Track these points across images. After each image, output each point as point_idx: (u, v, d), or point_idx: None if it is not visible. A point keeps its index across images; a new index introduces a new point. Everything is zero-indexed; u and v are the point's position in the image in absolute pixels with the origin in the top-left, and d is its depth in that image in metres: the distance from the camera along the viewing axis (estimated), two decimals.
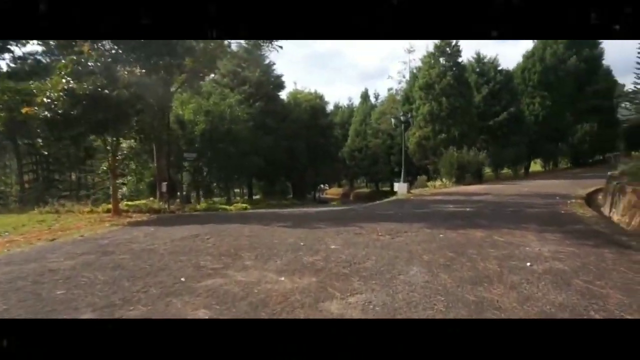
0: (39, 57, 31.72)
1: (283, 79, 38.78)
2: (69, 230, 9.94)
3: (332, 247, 6.39)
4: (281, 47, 19.41)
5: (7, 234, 9.70)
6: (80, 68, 10.94)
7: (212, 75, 32.27)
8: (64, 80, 10.91)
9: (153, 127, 12.93)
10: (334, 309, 3.76)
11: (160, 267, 5.37)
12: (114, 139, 12.98)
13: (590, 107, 33.69)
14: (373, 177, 49.71)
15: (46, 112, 10.94)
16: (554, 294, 4.04)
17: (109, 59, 11.63)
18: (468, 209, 10.82)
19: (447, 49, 27.79)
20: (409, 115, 24.75)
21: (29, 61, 31.62)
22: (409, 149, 27.58)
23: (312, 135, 36.88)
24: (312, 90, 42.50)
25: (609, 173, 11.80)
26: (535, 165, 36.74)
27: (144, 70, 11.51)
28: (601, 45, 35.82)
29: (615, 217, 9.07)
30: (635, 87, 44.10)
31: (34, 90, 11.72)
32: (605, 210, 10.21)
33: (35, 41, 14.13)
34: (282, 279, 4.77)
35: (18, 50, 31.99)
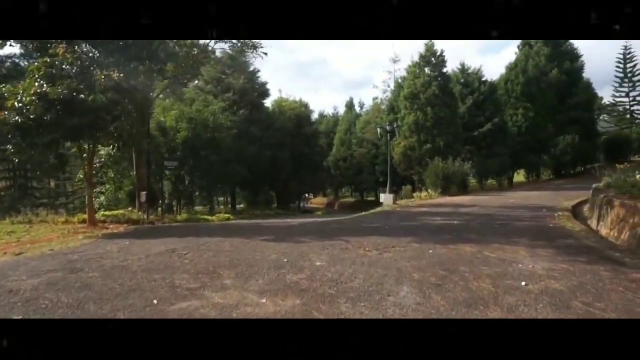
0: (16, 60, 30.83)
1: (268, 86, 38.49)
2: (39, 242, 9.39)
3: (317, 264, 6.05)
4: (266, 53, 19.17)
5: None
6: (54, 71, 10.43)
7: (196, 81, 31.88)
8: (36, 84, 10.40)
9: (132, 134, 12.42)
10: None
11: (132, 288, 4.95)
12: (90, 145, 12.45)
13: (571, 118, 34.14)
14: (358, 187, 49.52)
15: (17, 117, 10.39)
16: (554, 317, 3.79)
17: (86, 62, 11.12)
18: (456, 222, 10.60)
19: (432, 58, 27.85)
20: (395, 125, 24.57)
21: (7, 64, 30.71)
22: (394, 158, 27.44)
23: (297, 144, 36.50)
24: (297, 99, 42.31)
25: (593, 185, 11.73)
26: (519, 176, 37.00)
27: (122, 75, 11.02)
28: (581, 59, 36.55)
29: (604, 231, 8.94)
30: (613, 99, 45.00)
31: (5, 94, 11.14)
32: (593, 223, 10.11)
33: (13, 43, 13.59)
34: (264, 300, 4.42)
35: None
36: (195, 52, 18.13)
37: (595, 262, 5.92)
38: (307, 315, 3.95)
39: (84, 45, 11.26)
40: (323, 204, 56.00)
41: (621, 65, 43.48)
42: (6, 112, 10.51)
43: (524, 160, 32.47)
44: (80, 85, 10.55)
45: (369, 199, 47.91)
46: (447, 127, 26.55)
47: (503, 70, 36.06)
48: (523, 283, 4.90)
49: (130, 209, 16.00)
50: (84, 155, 12.73)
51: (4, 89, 11.69)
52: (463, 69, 31.89)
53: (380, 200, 19.43)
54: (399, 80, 37.10)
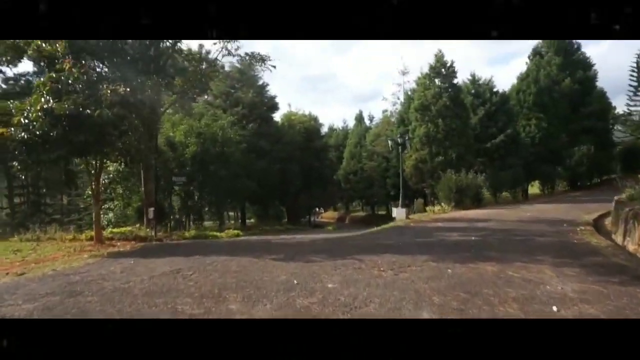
0: (29, 78, 31.20)
1: (277, 100, 38.44)
2: (43, 262, 9.14)
3: (329, 286, 5.67)
4: (274, 66, 19.02)
5: None
6: (60, 86, 10.29)
7: (205, 96, 31.93)
8: (43, 100, 10.27)
9: (139, 149, 12.22)
10: None
11: (130, 314, 4.62)
12: (97, 162, 12.27)
13: (585, 128, 33.52)
14: (369, 201, 48.99)
15: (23, 134, 10.25)
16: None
17: (93, 77, 10.99)
18: (473, 238, 10.14)
19: (443, 70, 27.55)
20: (406, 137, 24.16)
21: (21, 82, 31.06)
22: (405, 171, 27.00)
23: (306, 158, 36.21)
24: (307, 112, 42.18)
25: (615, 198, 11.22)
26: (533, 188, 36.24)
27: (128, 90, 10.85)
28: (594, 67, 36.00)
29: (631, 247, 8.43)
30: (628, 108, 44.14)
31: (13, 110, 11.05)
32: (618, 238, 9.58)
33: (26, 61, 13.68)
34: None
35: (9, 71, 31.50)
36: (204, 67, 18.08)
37: (630, 283, 5.48)
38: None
39: (90, 60, 11.11)
40: (334, 218, 55.52)
41: (636, 73, 42.73)
42: (12, 129, 10.39)
43: (538, 172, 31.79)
44: (87, 100, 10.39)
45: (380, 212, 47.40)
46: (458, 139, 26.11)
47: (512, 81, 35.77)
48: (554, 308, 4.48)
49: (138, 225, 15.78)
50: (92, 171, 12.55)
51: (12, 105, 11.63)
52: (474, 80, 31.51)
53: (393, 215, 18.96)
54: (409, 93, 36.86)
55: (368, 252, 8.54)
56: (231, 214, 42.65)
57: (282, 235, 18.33)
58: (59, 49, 11.41)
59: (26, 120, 10.32)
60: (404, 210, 18.52)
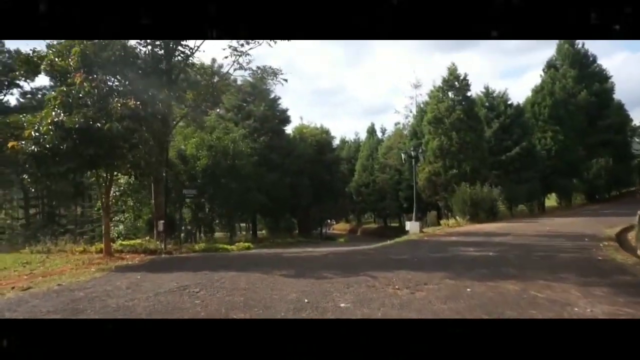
0: (47, 92, 31.74)
1: (289, 113, 38.43)
2: (51, 275, 8.99)
3: (342, 305, 5.37)
4: (286, 80, 18.98)
5: None
6: (70, 100, 10.27)
7: (217, 110, 32.06)
8: (53, 113, 10.25)
9: (149, 162, 12.12)
10: None
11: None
12: (107, 175, 12.20)
13: (602, 141, 32.91)
14: (381, 213, 48.47)
15: (33, 147, 10.22)
16: None
17: (104, 90, 10.96)
18: (491, 254, 9.74)
19: (456, 82, 27.25)
20: (420, 150, 23.79)
21: (38, 96, 31.59)
22: (418, 184, 26.60)
23: (318, 171, 35.93)
24: (318, 125, 42.04)
25: (639, 212, 10.75)
26: (550, 201, 35.48)
27: (139, 103, 10.79)
28: (611, 80, 35.41)
29: None
30: None
31: (25, 124, 11.06)
32: None
33: (43, 76, 13.95)
34: None
35: (27, 85, 32.11)
36: (216, 80, 18.11)
37: None
38: None
39: (102, 74, 11.10)
40: (345, 230, 55.05)
41: None
42: (22, 142, 10.37)
43: (555, 185, 31.13)
44: (97, 114, 10.33)
45: (393, 225, 46.82)
46: (473, 152, 25.66)
47: (525, 95, 35.28)
48: None
49: (148, 238, 15.63)
50: (102, 184, 12.49)
51: (24, 119, 11.67)
52: (487, 93, 31.13)
53: (406, 229, 18.54)
54: (422, 105, 36.56)
55: (382, 267, 8.22)
56: (242, 224, 42.50)
57: (292, 248, 18.05)
58: (71, 64, 11.43)
59: (37, 134, 10.29)
60: (417, 223, 18.11)
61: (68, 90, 10.40)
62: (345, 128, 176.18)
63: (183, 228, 23.96)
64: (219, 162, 24.43)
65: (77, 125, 10.02)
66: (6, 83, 31.27)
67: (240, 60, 16.96)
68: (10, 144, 10.15)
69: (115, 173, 13.08)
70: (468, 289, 6.09)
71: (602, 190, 33.70)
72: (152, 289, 6.63)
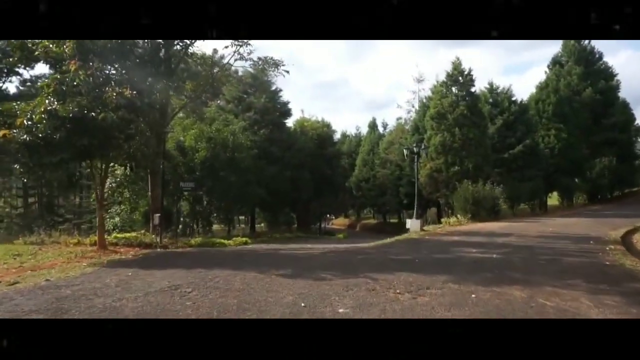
0: (46, 80, 31.31)
1: (290, 106, 38.01)
2: (40, 269, 8.71)
3: (341, 311, 5.09)
4: (287, 72, 18.55)
5: None
6: (64, 88, 9.92)
7: (217, 101, 31.62)
8: (47, 101, 9.91)
9: (146, 154, 11.80)
10: None
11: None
12: (102, 166, 11.89)
13: (607, 140, 32.54)
14: (380, 209, 48.16)
15: (26, 136, 9.89)
16: None
17: (99, 79, 10.61)
18: (495, 256, 9.45)
19: (460, 77, 26.80)
20: (422, 146, 23.36)
21: (38, 84, 31.17)
22: (420, 181, 26.26)
23: (318, 165, 35.56)
24: (319, 119, 41.60)
25: None
26: (551, 200, 35.16)
27: (135, 93, 10.44)
28: (617, 77, 34.98)
29: None
30: None
31: (18, 112, 10.72)
32: None
33: (42, 64, 13.58)
34: None
35: (26, 73, 31.64)
36: (216, 71, 17.72)
37: None
38: None
39: (98, 62, 10.73)
40: (345, 225, 54.87)
41: None
42: (15, 131, 10.05)
43: (558, 184, 30.79)
44: (92, 103, 9.99)
45: (392, 221, 46.58)
46: (475, 149, 25.28)
47: (528, 92, 34.92)
48: None
49: (143, 231, 15.33)
50: (97, 175, 12.18)
51: (17, 106, 11.32)
52: (492, 89, 30.72)
53: (407, 226, 18.23)
54: (424, 100, 36.14)
55: (382, 269, 7.94)
56: (241, 217, 42.23)
57: (291, 244, 17.76)
58: (66, 50, 11.07)
59: (29, 122, 9.96)
60: (418, 221, 17.79)
61: (62, 78, 10.05)
62: (347, 122, 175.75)
63: (181, 221, 23.68)
64: (218, 154, 24.10)
65: (70, 114, 9.68)
66: (5, 71, 30.80)
67: (241, 50, 16.56)
68: (1, 133, 9.80)
69: (111, 164, 12.78)
70: (473, 295, 5.81)
71: (604, 190, 33.41)
72: (142, 288, 6.34)
